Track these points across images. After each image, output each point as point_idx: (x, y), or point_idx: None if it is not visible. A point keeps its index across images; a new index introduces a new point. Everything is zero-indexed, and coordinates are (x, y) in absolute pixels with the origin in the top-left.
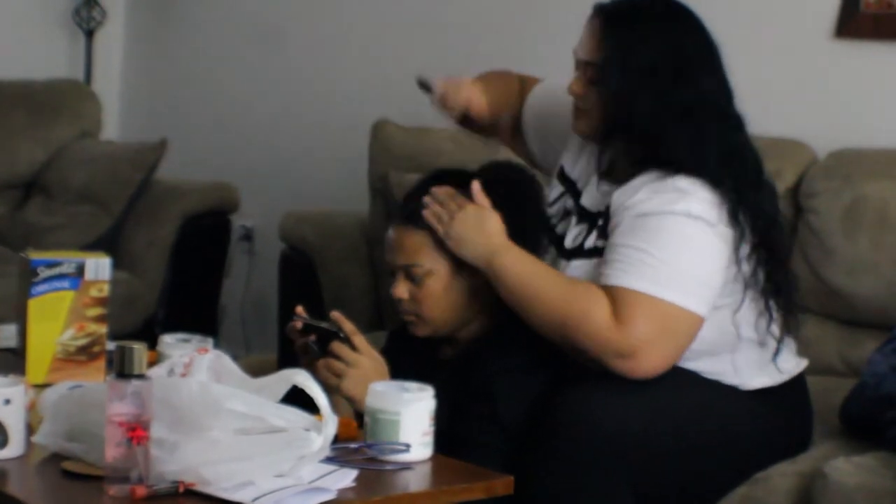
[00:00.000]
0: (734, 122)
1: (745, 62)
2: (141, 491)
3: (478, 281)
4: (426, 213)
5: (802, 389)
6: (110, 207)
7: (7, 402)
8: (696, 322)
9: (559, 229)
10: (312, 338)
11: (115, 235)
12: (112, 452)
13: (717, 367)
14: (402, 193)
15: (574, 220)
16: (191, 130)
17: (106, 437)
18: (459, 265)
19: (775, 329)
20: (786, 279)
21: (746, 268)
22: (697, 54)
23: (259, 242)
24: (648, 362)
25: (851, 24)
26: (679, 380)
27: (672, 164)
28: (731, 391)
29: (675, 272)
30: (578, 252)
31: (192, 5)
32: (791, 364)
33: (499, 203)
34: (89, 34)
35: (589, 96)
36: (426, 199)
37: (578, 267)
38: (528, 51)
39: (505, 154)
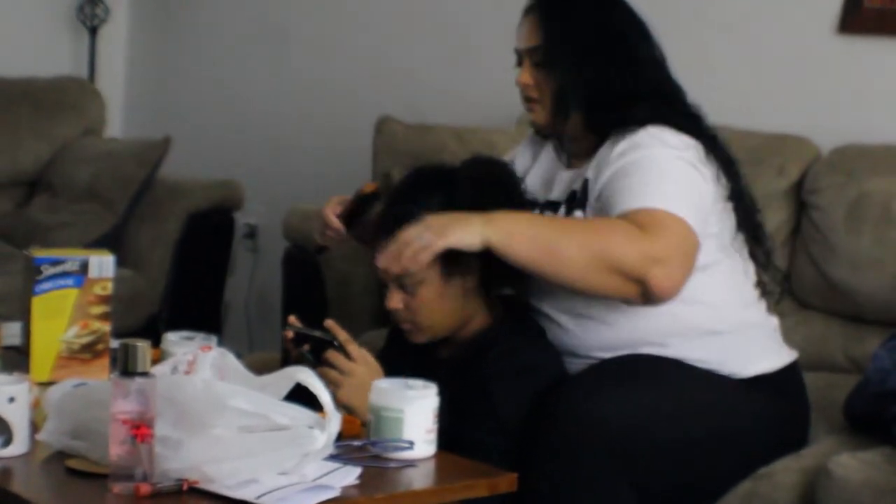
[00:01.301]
0: (676, 87)
1: (749, 57)
2: (145, 489)
3: (470, 283)
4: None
5: (798, 379)
6: (114, 205)
7: (11, 399)
8: (696, 239)
9: None
10: (306, 347)
11: (118, 233)
12: (116, 450)
13: (715, 353)
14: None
15: (544, 212)
16: (194, 128)
17: (110, 434)
18: (450, 269)
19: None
20: (761, 231)
21: (729, 216)
22: (629, 25)
23: (263, 240)
24: (676, 272)
25: (855, 20)
26: (677, 375)
27: (634, 120)
28: (729, 383)
29: (672, 191)
30: None
31: (196, 3)
32: (784, 351)
33: (483, 197)
34: (93, 31)
35: (538, 81)
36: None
37: None
38: None
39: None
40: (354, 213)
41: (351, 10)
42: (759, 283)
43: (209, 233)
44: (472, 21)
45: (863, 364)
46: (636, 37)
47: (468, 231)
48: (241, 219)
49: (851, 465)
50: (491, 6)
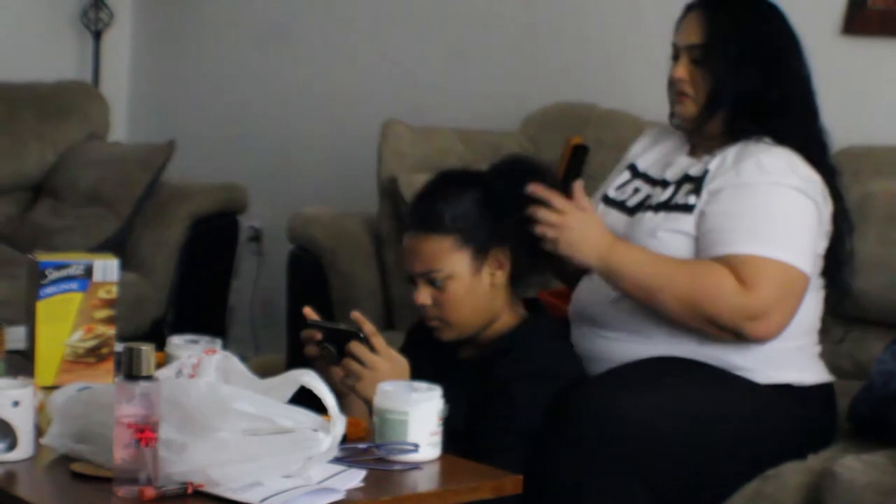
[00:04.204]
0: (816, 109)
1: None
2: (149, 492)
3: (498, 280)
4: (539, 228)
5: (826, 398)
6: (118, 209)
7: (16, 403)
8: (805, 281)
9: (630, 202)
10: (318, 336)
11: (123, 237)
12: (120, 454)
13: (748, 361)
14: (412, 193)
15: (654, 189)
16: (199, 131)
17: (114, 438)
18: (479, 264)
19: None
20: (845, 281)
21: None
22: (787, 39)
23: (267, 243)
24: (775, 322)
25: (859, 21)
26: (696, 378)
27: (772, 133)
28: (751, 387)
29: (783, 235)
30: (664, 206)
31: (200, 6)
32: (818, 370)
33: (515, 196)
34: (97, 36)
35: (694, 78)
36: (536, 213)
37: (664, 219)
38: (538, 47)
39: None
40: (570, 170)
41: (354, 14)
42: (824, 319)
43: (214, 236)
44: (478, 22)
45: (868, 367)
46: (792, 52)
47: (585, 254)
48: (246, 222)
49: (856, 467)
50: (495, 8)
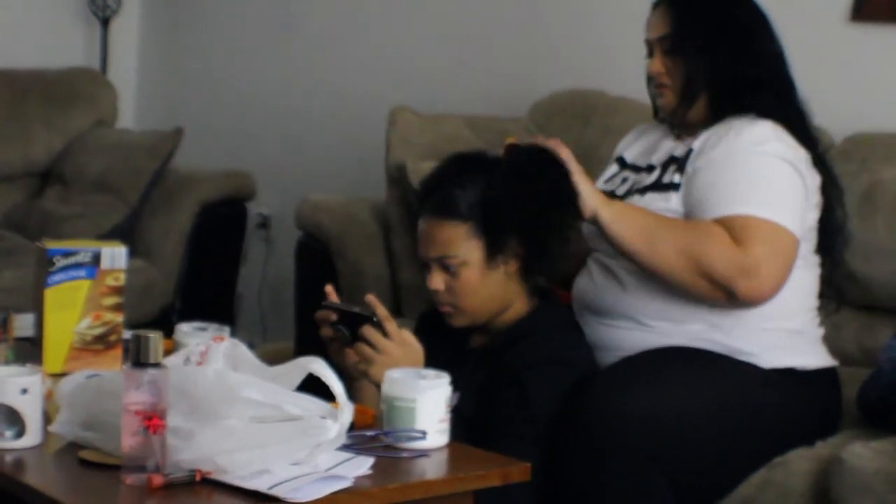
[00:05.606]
0: (792, 82)
1: None
2: (157, 479)
3: (511, 268)
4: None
5: (830, 381)
6: (126, 196)
7: (24, 391)
8: (795, 244)
9: (618, 191)
10: (333, 317)
11: (131, 224)
12: (128, 441)
13: (752, 345)
14: (420, 180)
15: (640, 176)
16: (207, 118)
17: (122, 426)
18: (494, 253)
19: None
20: (840, 252)
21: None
22: (754, 17)
23: (275, 230)
24: (766, 281)
25: (867, 8)
26: (705, 369)
27: (755, 108)
28: (757, 373)
29: (771, 197)
30: (650, 188)
31: None
32: (821, 356)
33: (526, 183)
34: (105, 23)
35: (669, 68)
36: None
37: (651, 199)
38: (547, 33)
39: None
40: None
41: (361, 0)
42: (820, 295)
43: (222, 223)
44: (484, 9)
45: (875, 354)
46: (760, 29)
47: (588, 195)
48: (254, 209)
49: (865, 454)
50: None
